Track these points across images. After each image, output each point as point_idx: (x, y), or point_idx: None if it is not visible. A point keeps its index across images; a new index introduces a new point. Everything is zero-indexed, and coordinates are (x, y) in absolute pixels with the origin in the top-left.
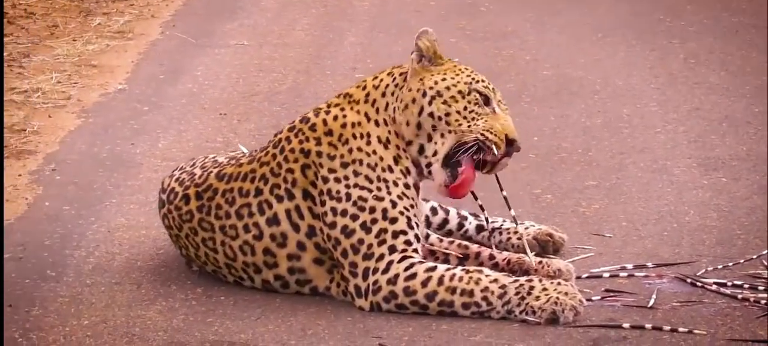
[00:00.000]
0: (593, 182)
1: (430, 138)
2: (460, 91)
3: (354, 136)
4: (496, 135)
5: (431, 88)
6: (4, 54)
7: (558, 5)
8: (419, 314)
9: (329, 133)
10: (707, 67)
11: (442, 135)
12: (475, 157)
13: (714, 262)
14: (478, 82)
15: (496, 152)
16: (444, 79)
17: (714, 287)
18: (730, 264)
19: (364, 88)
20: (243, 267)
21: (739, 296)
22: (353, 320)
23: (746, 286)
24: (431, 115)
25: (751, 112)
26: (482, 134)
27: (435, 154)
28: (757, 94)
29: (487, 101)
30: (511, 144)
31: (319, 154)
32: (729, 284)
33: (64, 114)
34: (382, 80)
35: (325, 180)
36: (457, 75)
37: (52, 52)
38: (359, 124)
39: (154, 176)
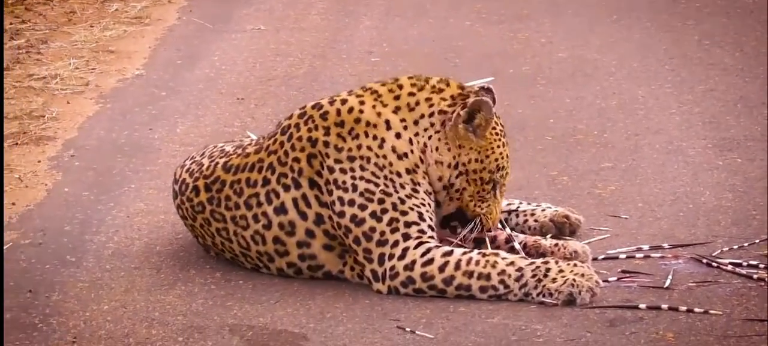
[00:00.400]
0: (609, 164)
1: (442, 196)
2: (482, 178)
3: (366, 135)
4: (490, 220)
5: (464, 165)
6: (23, 41)
7: None
8: (437, 297)
9: (340, 124)
10: (722, 48)
11: (451, 199)
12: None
13: (730, 242)
14: (499, 169)
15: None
16: (477, 161)
17: (730, 267)
18: (746, 244)
19: (397, 97)
20: (257, 256)
21: (755, 276)
22: (371, 303)
23: (762, 266)
24: (452, 185)
25: (765, 92)
26: (482, 217)
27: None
28: None
29: (494, 188)
30: (489, 231)
31: (326, 144)
32: (745, 264)
33: (82, 100)
34: (418, 104)
35: (331, 170)
36: (488, 157)
37: (70, 38)
38: (375, 126)
39: (173, 160)
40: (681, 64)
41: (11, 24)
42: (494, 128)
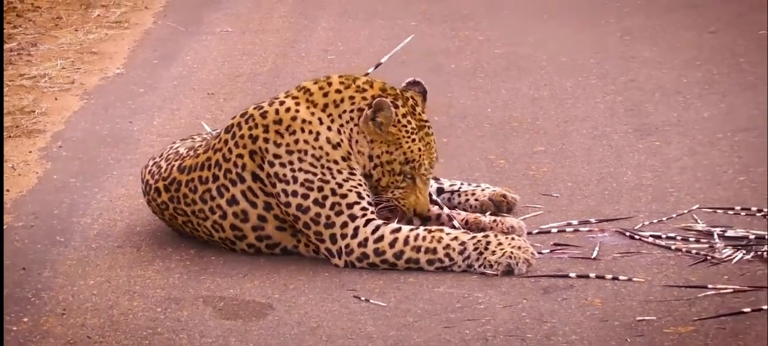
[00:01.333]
0: (541, 148)
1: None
2: (393, 169)
3: (302, 130)
4: (405, 206)
5: (378, 156)
6: (14, 44)
7: None
8: (389, 270)
9: (278, 122)
10: (641, 43)
11: (372, 187)
12: (388, 212)
13: (650, 217)
14: (409, 162)
15: (403, 215)
16: (388, 153)
17: (650, 239)
18: (664, 218)
19: (326, 94)
20: (220, 241)
21: (673, 247)
22: (330, 276)
23: (679, 238)
24: (371, 175)
25: (680, 82)
26: (394, 200)
27: None
28: (686, 66)
29: (412, 178)
30: (418, 215)
31: (266, 140)
32: (663, 236)
33: (68, 97)
34: (343, 100)
35: (271, 164)
36: (397, 150)
37: (57, 41)
38: (310, 122)
39: (150, 150)
40: (604, 58)
41: (4, 29)
42: (405, 126)
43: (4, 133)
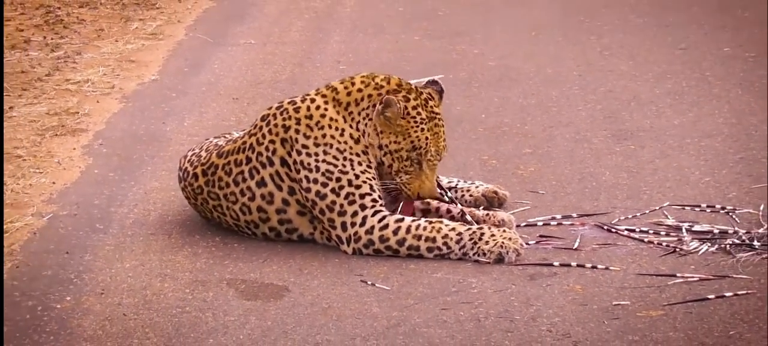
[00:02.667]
0: (529, 150)
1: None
2: (400, 156)
3: (329, 126)
4: (410, 190)
5: (387, 145)
6: (61, 53)
7: (500, 8)
8: (392, 257)
9: (309, 117)
10: (618, 57)
11: (383, 174)
12: (393, 193)
13: (625, 212)
14: (416, 149)
15: (408, 198)
16: (396, 142)
17: (625, 232)
18: (638, 214)
19: (349, 93)
20: (245, 225)
21: (646, 240)
22: (340, 262)
23: (651, 231)
24: (382, 162)
25: (653, 93)
26: (400, 185)
27: None
28: (658, 79)
29: (419, 164)
30: (423, 198)
31: (297, 131)
32: (637, 229)
33: (109, 100)
34: (362, 99)
35: (299, 153)
36: (405, 139)
37: (100, 50)
38: (336, 120)
39: (181, 148)
40: (586, 70)
41: (52, 39)
42: (414, 117)
43: (52, 132)
